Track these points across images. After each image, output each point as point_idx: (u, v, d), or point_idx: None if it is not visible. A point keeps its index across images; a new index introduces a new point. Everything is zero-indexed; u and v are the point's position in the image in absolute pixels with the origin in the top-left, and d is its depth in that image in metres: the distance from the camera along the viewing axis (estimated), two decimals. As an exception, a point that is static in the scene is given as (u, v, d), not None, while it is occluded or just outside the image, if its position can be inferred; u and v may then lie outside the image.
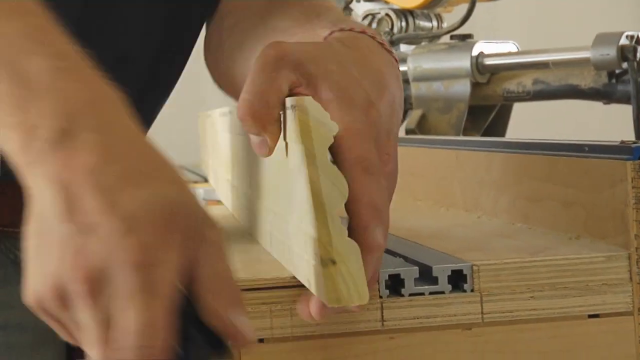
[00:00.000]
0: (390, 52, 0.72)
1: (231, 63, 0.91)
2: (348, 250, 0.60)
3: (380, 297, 0.70)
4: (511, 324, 0.71)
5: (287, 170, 0.67)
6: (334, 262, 0.60)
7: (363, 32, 0.72)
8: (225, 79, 0.95)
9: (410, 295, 0.70)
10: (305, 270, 0.64)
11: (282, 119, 0.66)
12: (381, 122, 0.67)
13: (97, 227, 0.54)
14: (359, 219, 0.63)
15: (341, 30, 0.73)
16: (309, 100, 0.63)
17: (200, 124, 1.74)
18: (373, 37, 0.72)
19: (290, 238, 0.68)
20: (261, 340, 0.69)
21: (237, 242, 0.85)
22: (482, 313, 0.71)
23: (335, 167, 0.62)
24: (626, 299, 0.72)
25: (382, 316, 0.70)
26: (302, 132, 0.63)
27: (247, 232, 0.91)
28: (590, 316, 0.72)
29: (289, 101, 0.65)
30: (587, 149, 0.78)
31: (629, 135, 1.22)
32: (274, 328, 0.69)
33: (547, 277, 0.71)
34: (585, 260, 0.72)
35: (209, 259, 0.56)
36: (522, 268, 0.71)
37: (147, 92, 0.91)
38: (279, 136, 0.66)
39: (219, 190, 1.32)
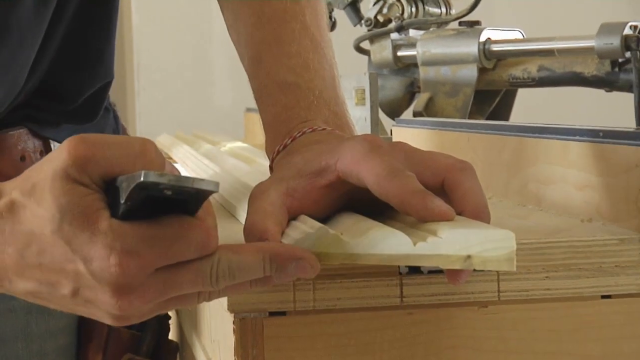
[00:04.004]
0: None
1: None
2: None
3: (400, 273, 0.71)
4: (526, 302, 0.73)
5: None
6: None
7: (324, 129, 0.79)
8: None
9: (430, 272, 0.71)
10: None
11: None
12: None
13: None
14: None
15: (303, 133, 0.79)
16: None
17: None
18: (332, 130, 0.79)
19: None
20: (283, 313, 0.70)
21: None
22: (498, 291, 0.72)
23: None
24: (638, 280, 0.74)
25: (402, 292, 0.71)
26: None
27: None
28: (603, 297, 0.74)
29: None
30: (601, 134, 0.80)
31: (629, 123, 1.24)
32: (297, 301, 0.70)
33: (562, 258, 0.73)
34: (599, 242, 0.74)
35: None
36: (538, 249, 0.73)
37: None
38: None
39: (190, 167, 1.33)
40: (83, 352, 0.99)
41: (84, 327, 0.99)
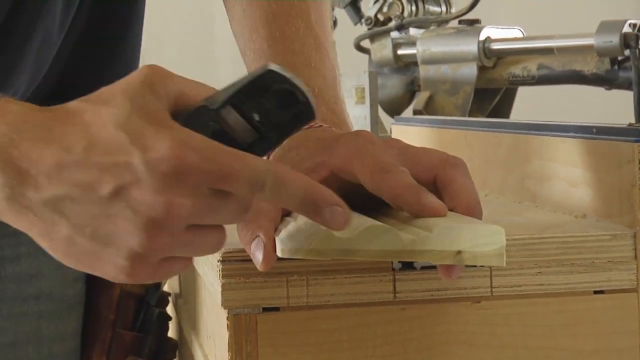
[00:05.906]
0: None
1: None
2: None
3: (393, 269, 0.72)
4: (519, 298, 0.73)
5: None
6: None
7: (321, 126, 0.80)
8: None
9: (422, 268, 0.72)
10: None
11: None
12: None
13: None
14: None
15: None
16: None
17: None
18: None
19: None
20: (277, 309, 0.71)
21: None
22: (491, 287, 0.73)
23: None
24: (630, 276, 0.74)
25: (395, 288, 0.72)
26: None
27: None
28: (595, 292, 0.74)
29: None
30: (595, 130, 0.81)
31: (629, 121, 1.24)
32: (290, 297, 0.71)
33: (555, 254, 0.73)
34: (592, 238, 0.74)
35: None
36: (531, 244, 0.73)
37: None
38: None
39: None
40: (87, 355, 1.00)
41: (88, 331, 1.00)
